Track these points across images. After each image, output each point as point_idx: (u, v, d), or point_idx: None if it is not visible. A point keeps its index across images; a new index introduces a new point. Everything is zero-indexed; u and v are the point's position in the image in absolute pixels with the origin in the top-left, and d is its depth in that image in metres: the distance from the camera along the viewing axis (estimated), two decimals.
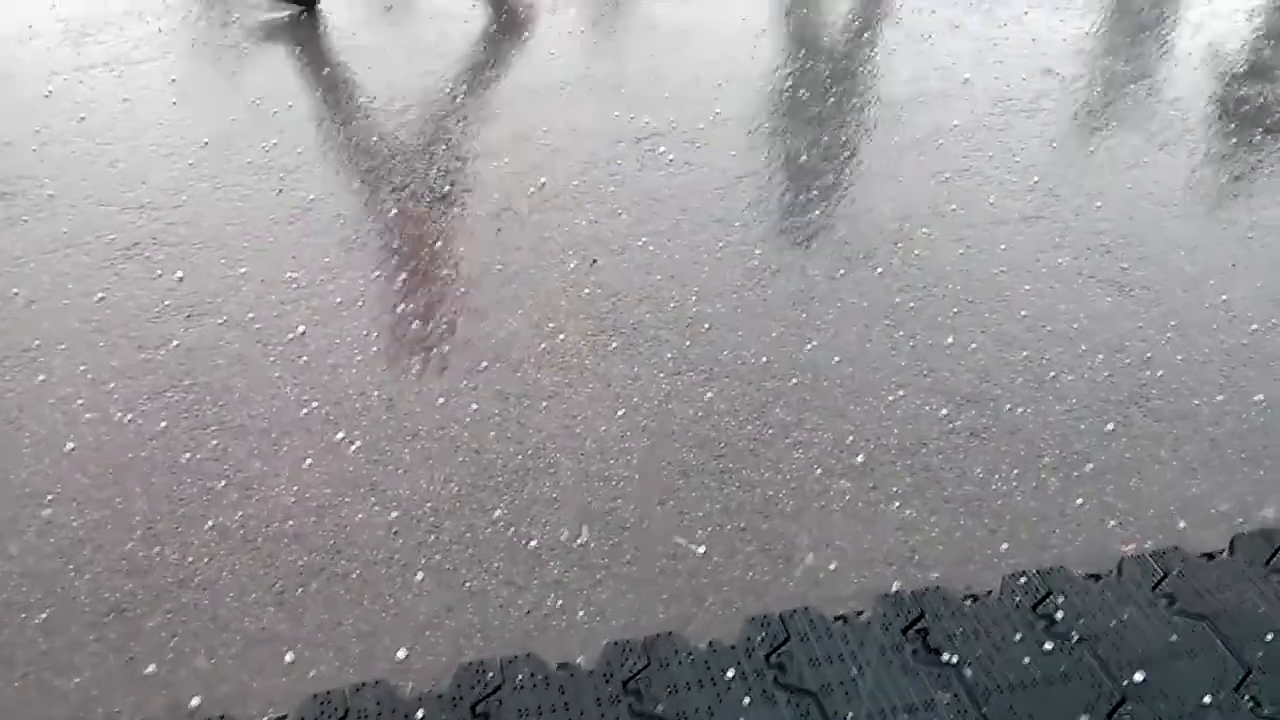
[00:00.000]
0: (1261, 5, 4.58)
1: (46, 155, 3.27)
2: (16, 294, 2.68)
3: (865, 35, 4.19)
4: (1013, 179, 3.24)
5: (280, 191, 3.11)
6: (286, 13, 4.28)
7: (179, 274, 2.76)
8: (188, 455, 2.23)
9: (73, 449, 2.25)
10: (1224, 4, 4.57)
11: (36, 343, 2.53)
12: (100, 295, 2.69)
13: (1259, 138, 3.52)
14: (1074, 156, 3.38)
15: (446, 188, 3.14)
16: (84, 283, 2.73)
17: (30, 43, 4.03)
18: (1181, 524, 2.15)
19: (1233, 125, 3.61)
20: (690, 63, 3.98)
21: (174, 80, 3.73)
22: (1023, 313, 2.68)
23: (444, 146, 3.35)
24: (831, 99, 3.69)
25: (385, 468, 2.20)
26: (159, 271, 2.77)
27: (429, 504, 2.12)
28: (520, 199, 3.10)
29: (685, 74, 3.88)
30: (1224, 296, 2.77)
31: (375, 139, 3.39)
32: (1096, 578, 2.02)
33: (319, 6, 4.30)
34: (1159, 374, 2.51)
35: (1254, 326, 2.67)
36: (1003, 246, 2.93)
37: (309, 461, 2.21)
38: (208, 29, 4.13)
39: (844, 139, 3.44)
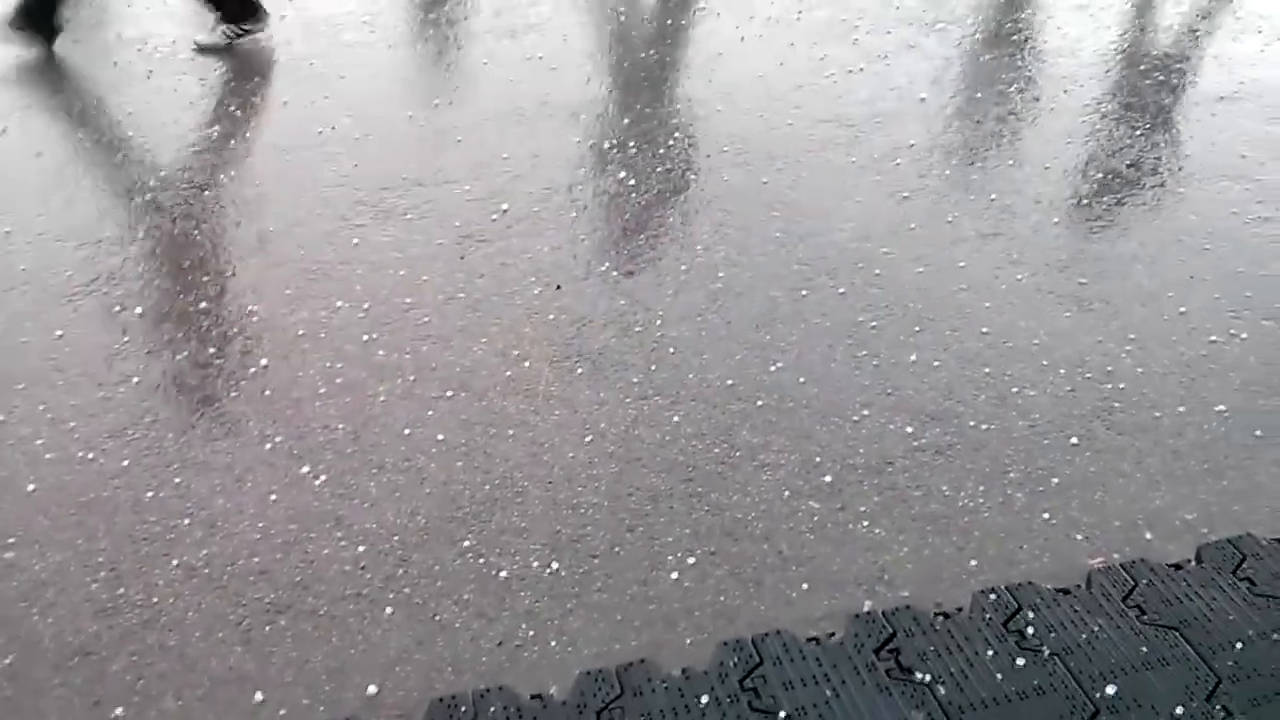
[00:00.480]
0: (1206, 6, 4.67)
1: (1, 192, 3.23)
2: None
3: (822, 57, 4.22)
4: (970, 197, 3.27)
5: (239, 224, 3.08)
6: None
7: (138, 310, 2.73)
8: (150, 493, 2.20)
9: (34, 490, 2.21)
10: (1170, 15, 4.66)
11: None
12: (59, 333, 2.65)
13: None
14: (1030, 173, 3.42)
15: (408, 215, 3.13)
16: (41, 320, 2.69)
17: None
18: (1148, 535, 2.17)
19: (1188, 138, 3.66)
20: (653, 86, 4.00)
21: (130, 113, 3.70)
22: (983, 329, 2.71)
23: (404, 174, 3.34)
24: (789, 121, 3.72)
25: (351, 501, 2.18)
26: (118, 308, 2.74)
27: (396, 537, 2.10)
28: (483, 225, 3.10)
29: (645, 98, 3.90)
30: (1182, 309, 2.81)
31: (334, 169, 3.37)
32: (1066, 591, 2.03)
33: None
34: (1120, 387, 2.54)
35: (1213, 338, 2.71)
36: (961, 264, 2.96)
37: (274, 497, 2.19)
38: (162, 61, 4.10)
39: (802, 160, 3.46)
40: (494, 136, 3.58)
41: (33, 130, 3.59)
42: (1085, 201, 3.28)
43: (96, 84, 3.92)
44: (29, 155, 3.43)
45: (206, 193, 3.23)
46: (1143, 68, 4.18)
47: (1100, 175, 3.42)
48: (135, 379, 2.50)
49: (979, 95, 3.92)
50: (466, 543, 2.09)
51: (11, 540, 2.09)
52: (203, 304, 2.75)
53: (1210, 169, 3.46)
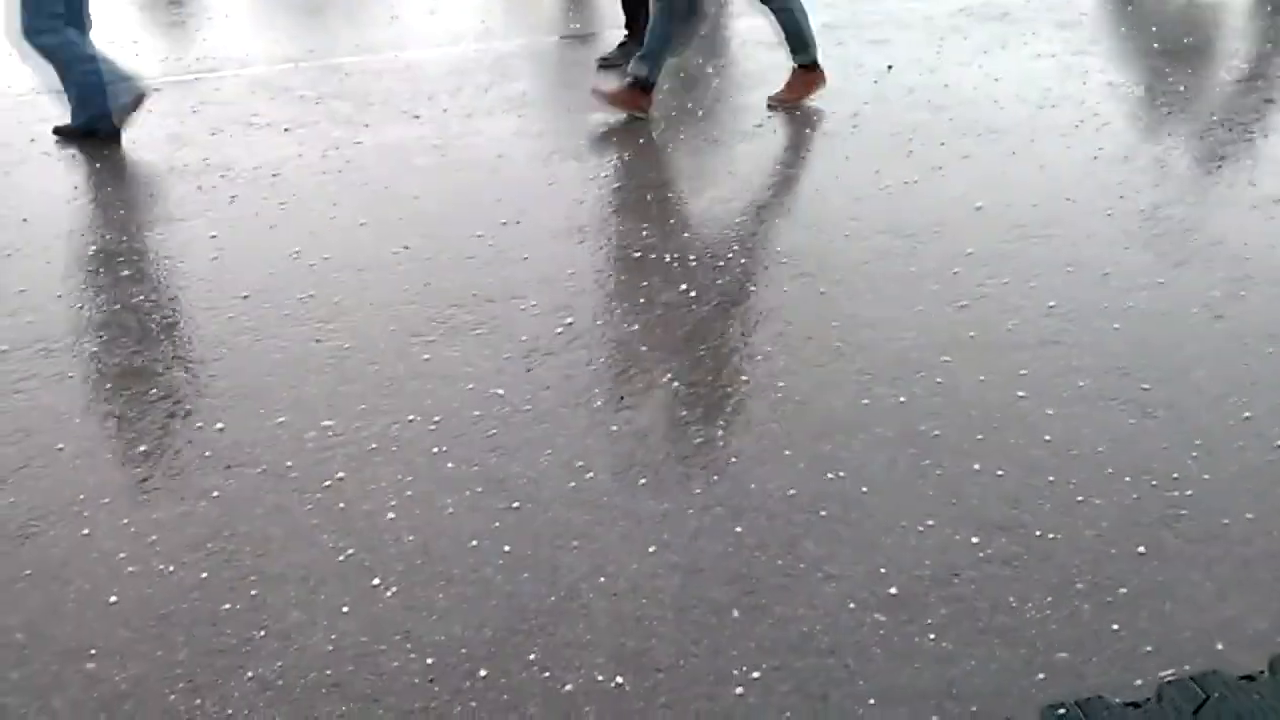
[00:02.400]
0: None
1: (91, 312, 3.40)
2: (61, 449, 2.77)
3: (877, 170, 4.31)
4: (1028, 304, 3.30)
5: (318, 341, 3.21)
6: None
7: (219, 425, 2.84)
8: (227, 606, 2.27)
9: (115, 602, 2.29)
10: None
11: (81, 497, 2.60)
12: (143, 449, 2.77)
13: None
14: (1088, 279, 3.44)
15: (477, 330, 3.23)
16: (126, 436, 2.81)
17: (74, 203, 4.22)
18: (1219, 646, 2.13)
19: (1247, 240, 3.67)
20: (709, 201, 4.11)
21: (214, 236, 3.89)
22: (1046, 437, 2.71)
23: (473, 291, 3.45)
24: (846, 233, 3.79)
25: (420, 613, 2.23)
26: (200, 424, 2.85)
27: (464, 649, 2.14)
28: (549, 339, 3.18)
29: (705, 212, 4.01)
30: (1246, 414, 2.79)
31: (407, 287, 3.50)
32: (1136, 705, 1.99)
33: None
34: (1187, 494, 2.52)
35: (1279, 443, 2.68)
36: (1022, 372, 2.97)
37: (345, 609, 2.25)
38: (246, 185, 4.31)
39: (860, 271, 3.53)
40: (560, 253, 3.69)
41: (121, 252, 3.78)
42: (1144, 307, 3.28)
43: (181, 207, 4.13)
44: (118, 277, 3.61)
45: (285, 312, 3.37)
46: (1200, 172, 4.21)
47: (1159, 280, 3.43)
48: (215, 493, 2.59)
49: (1035, 204, 3.97)
50: (532, 655, 2.12)
51: (93, 651, 2.16)
52: (280, 419, 2.86)
53: (1270, 271, 3.46)
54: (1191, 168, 4.26)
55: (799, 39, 4.94)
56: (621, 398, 2.91)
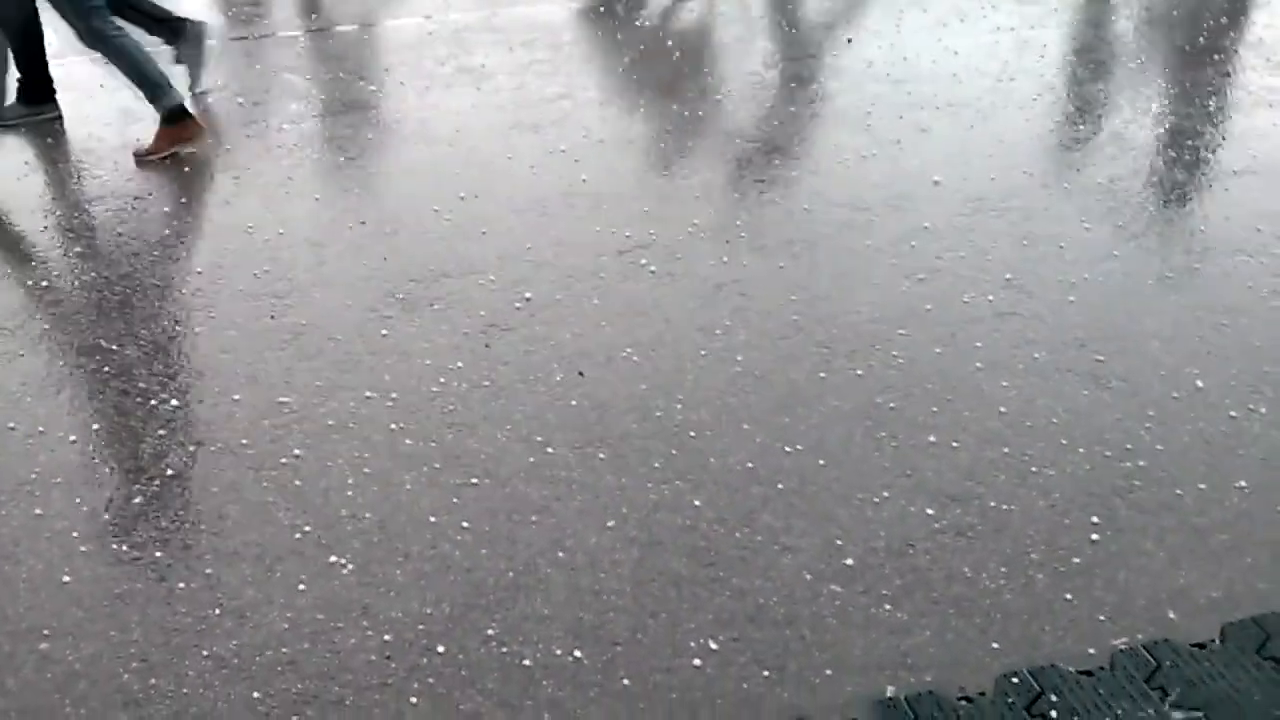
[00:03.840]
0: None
1: (44, 289, 3.35)
2: (13, 428, 2.72)
3: (836, 144, 4.31)
4: (985, 277, 3.32)
5: (273, 317, 3.17)
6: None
7: (173, 403, 2.81)
8: (182, 584, 2.25)
9: (68, 582, 2.26)
10: (1186, 101, 4.73)
11: (34, 476, 2.56)
12: (95, 427, 2.73)
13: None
14: (1045, 252, 3.47)
15: (434, 305, 3.21)
16: (79, 415, 2.77)
17: (26, 179, 4.14)
18: (1172, 614, 2.17)
19: (1203, 214, 3.71)
20: (668, 176, 4.10)
21: (167, 211, 3.83)
22: (1002, 409, 2.73)
23: (430, 266, 3.43)
24: (806, 206, 3.79)
25: (378, 590, 2.22)
26: (153, 401, 2.81)
27: (421, 626, 2.13)
28: (507, 314, 3.17)
29: (664, 187, 3.99)
30: (1200, 385, 2.83)
31: (364, 262, 3.47)
32: (1089, 674, 2.03)
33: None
34: (1141, 465, 2.55)
35: (1232, 413, 2.72)
36: (978, 344, 2.99)
37: (302, 586, 2.23)
38: (200, 158, 4.24)
39: (819, 244, 3.53)
40: (518, 227, 3.67)
41: (74, 228, 3.72)
42: (1101, 279, 3.31)
43: (134, 181, 4.06)
44: (70, 252, 3.55)
45: (240, 287, 3.32)
46: (1157, 145, 4.24)
47: (1115, 253, 3.46)
48: (170, 471, 2.57)
49: (993, 178, 3.98)
50: (490, 631, 2.12)
51: (46, 632, 2.14)
52: (235, 396, 2.83)
53: (1226, 244, 3.50)
54: (1148, 141, 4.29)
55: (146, 83, 4.25)
56: (580, 372, 2.90)
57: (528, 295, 3.26)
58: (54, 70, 4.65)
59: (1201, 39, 5.47)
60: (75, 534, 2.39)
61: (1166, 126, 4.43)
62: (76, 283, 3.39)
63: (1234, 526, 2.38)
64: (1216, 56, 5.21)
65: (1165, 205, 3.76)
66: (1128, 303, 3.19)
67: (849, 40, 5.52)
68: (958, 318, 3.12)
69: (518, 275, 3.38)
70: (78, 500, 2.48)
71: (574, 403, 2.79)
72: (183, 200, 3.92)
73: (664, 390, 2.83)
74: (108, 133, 4.52)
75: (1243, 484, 2.49)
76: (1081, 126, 4.44)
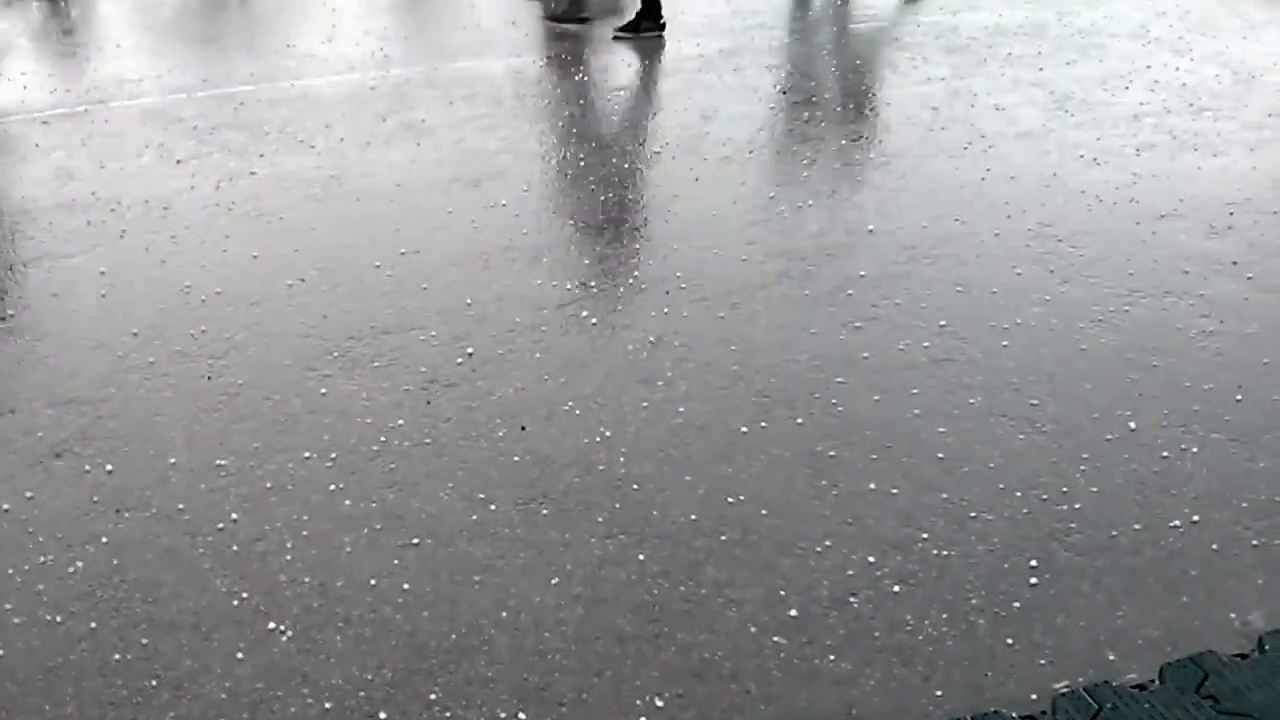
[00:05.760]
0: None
1: None
2: None
3: (773, 195, 4.38)
4: (921, 324, 3.37)
5: (209, 378, 3.14)
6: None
7: (108, 468, 2.76)
8: (118, 656, 2.20)
9: (1, 655, 2.21)
10: (1112, 144, 4.86)
11: None
12: (29, 494, 2.67)
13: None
14: (978, 298, 3.53)
15: (375, 362, 3.19)
16: (12, 483, 2.72)
17: None
18: (1111, 656, 2.20)
19: (1131, 256, 3.80)
20: (612, 227, 4.13)
21: (103, 271, 3.79)
22: (939, 455, 2.77)
23: (371, 323, 3.41)
24: (743, 256, 3.84)
25: (318, 656, 2.19)
26: (88, 467, 2.77)
27: (363, 692, 2.10)
28: (449, 370, 3.16)
29: (604, 239, 4.02)
30: (1132, 425, 2.89)
31: (303, 320, 3.45)
32: (1032, 718, 2.05)
33: None
34: (1076, 507, 2.59)
35: (1164, 454, 2.78)
36: (915, 390, 3.04)
37: (240, 655, 2.19)
38: (135, 220, 4.20)
39: (757, 294, 3.57)
40: (459, 282, 3.67)
41: (7, 290, 3.66)
42: (1033, 324, 3.38)
43: (69, 242, 4.01)
44: (3, 315, 3.50)
45: (177, 348, 3.29)
46: (1082, 191, 4.35)
47: (1046, 297, 3.53)
48: (104, 539, 2.52)
49: (925, 225, 4.06)
50: (433, 695, 2.10)
51: None
52: (171, 459, 2.79)
53: (1154, 286, 3.59)
54: (1075, 186, 4.40)
55: None
56: (523, 427, 2.90)
57: (469, 350, 3.26)
58: None
59: (1126, 85, 5.63)
60: (8, 606, 2.33)
61: (1093, 171, 4.55)
62: (8, 345, 3.33)
63: (1169, 565, 2.42)
64: (1143, 104, 5.37)
65: (1094, 249, 3.85)
66: (1060, 346, 3.26)
67: (783, 92, 5.62)
68: (895, 364, 3.16)
69: (459, 330, 3.37)
70: (9, 570, 2.43)
71: (516, 458, 2.78)
72: (119, 260, 3.88)
73: (606, 443, 2.83)
74: (42, 192, 4.47)
75: (1176, 523, 2.54)
76: (1010, 173, 4.54)
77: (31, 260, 3.89)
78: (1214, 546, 2.47)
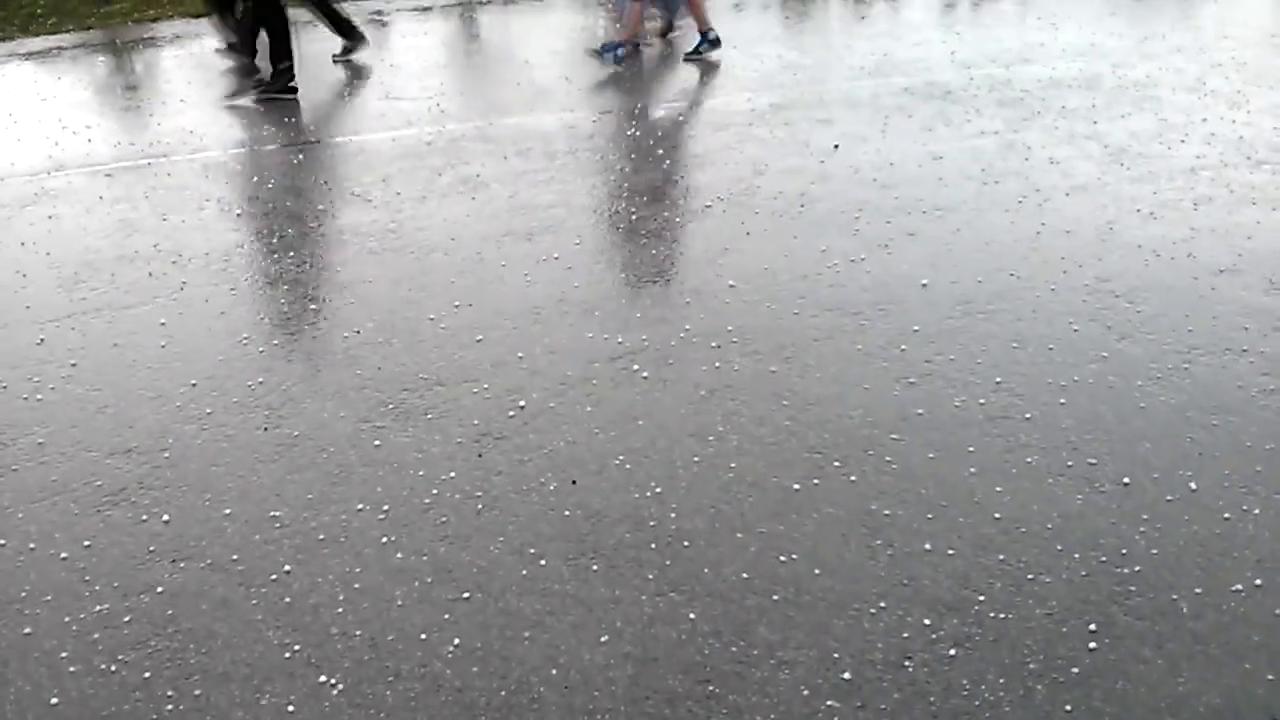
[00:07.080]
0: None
1: (38, 403, 3.36)
2: (4, 545, 2.71)
3: (824, 249, 4.37)
4: (976, 380, 3.34)
5: (265, 429, 3.18)
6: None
7: (165, 518, 2.79)
8: (170, 706, 2.22)
9: (57, 704, 2.23)
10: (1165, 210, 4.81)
11: (23, 594, 2.54)
12: (87, 543, 2.71)
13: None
14: (1034, 354, 3.49)
15: (428, 415, 3.22)
16: (71, 530, 2.76)
17: (23, 290, 4.18)
18: None
19: (1190, 312, 3.74)
20: (663, 281, 4.15)
21: (163, 323, 3.86)
22: (996, 515, 2.73)
23: (424, 375, 3.45)
24: (795, 310, 3.83)
25: (367, 711, 2.19)
26: (145, 516, 2.80)
27: None
28: (501, 422, 3.17)
29: (656, 292, 4.04)
30: (1193, 486, 2.82)
31: (358, 372, 3.49)
32: None
33: None
34: (1136, 570, 2.54)
35: (1226, 515, 2.72)
36: (971, 448, 3.00)
37: (291, 708, 2.20)
38: (196, 272, 4.29)
39: (809, 348, 3.56)
40: (512, 335, 3.70)
41: (69, 340, 3.75)
42: (1091, 381, 3.33)
43: (131, 293, 4.10)
44: (65, 364, 3.57)
45: (234, 399, 3.34)
46: (1139, 245, 4.30)
47: (1104, 354, 3.48)
48: (159, 589, 2.55)
49: (980, 280, 4.03)
50: None
51: None
52: (226, 510, 2.82)
53: (1214, 343, 3.53)
54: (1133, 241, 4.35)
55: None
56: (574, 481, 2.90)
57: (521, 403, 3.27)
58: (53, 181, 4.73)
59: (1183, 139, 5.58)
60: (64, 654, 2.36)
61: (1150, 226, 4.50)
62: (70, 394, 3.40)
63: (1231, 631, 2.36)
64: (1199, 156, 5.32)
65: (1152, 305, 3.80)
66: (1118, 404, 3.21)
67: (836, 146, 5.63)
68: (950, 421, 3.13)
69: (511, 383, 3.39)
70: (66, 619, 2.46)
71: (567, 512, 2.78)
72: (179, 311, 3.96)
73: (657, 498, 2.82)
74: (105, 244, 4.58)
75: (1238, 587, 2.48)
76: (1066, 227, 4.50)
77: (94, 311, 3.98)
78: (1277, 611, 2.40)
